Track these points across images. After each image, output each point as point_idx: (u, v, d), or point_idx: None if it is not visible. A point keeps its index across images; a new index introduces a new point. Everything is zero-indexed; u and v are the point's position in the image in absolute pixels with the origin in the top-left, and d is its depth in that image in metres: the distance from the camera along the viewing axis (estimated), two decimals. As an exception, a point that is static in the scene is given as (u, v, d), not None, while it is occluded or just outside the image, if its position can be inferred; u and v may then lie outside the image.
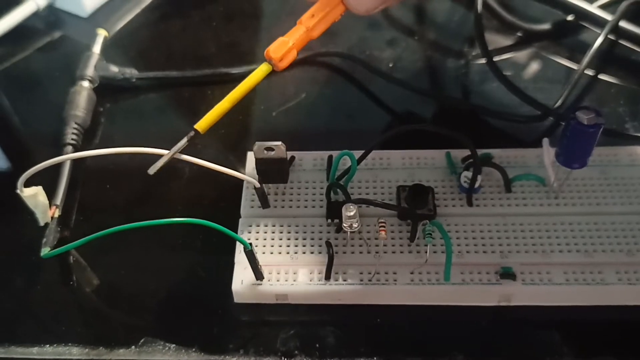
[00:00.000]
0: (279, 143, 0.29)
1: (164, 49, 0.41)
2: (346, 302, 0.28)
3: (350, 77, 0.38)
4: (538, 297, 0.27)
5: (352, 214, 0.27)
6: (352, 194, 0.30)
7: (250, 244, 0.26)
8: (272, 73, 0.38)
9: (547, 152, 0.29)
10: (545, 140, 0.29)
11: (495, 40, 0.39)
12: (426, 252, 0.28)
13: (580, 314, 0.28)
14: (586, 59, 0.35)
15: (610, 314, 0.27)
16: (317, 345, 0.27)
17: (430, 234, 0.27)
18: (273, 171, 0.29)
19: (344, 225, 0.28)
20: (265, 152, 0.29)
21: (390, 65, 0.39)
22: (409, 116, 0.36)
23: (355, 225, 0.28)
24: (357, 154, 0.29)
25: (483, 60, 0.37)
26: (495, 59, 0.38)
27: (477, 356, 0.27)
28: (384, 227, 0.27)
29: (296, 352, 0.27)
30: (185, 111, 0.37)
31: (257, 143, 0.29)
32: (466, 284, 0.27)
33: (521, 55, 0.39)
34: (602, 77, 0.37)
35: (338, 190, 0.29)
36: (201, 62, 0.39)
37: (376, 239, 0.28)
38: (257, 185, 0.29)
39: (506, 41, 0.40)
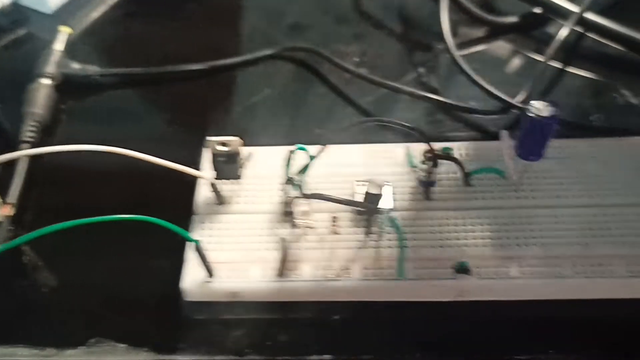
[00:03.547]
0: (234, 138, 0.28)
1: (130, 46, 0.40)
2: (299, 299, 0.27)
3: (315, 71, 0.38)
4: (494, 292, 0.27)
5: (304, 209, 0.27)
6: (310, 189, 0.30)
7: (198, 240, 0.26)
8: (238, 68, 0.38)
9: (506, 144, 0.29)
10: (504, 133, 0.29)
11: (464, 33, 0.39)
12: (381, 247, 0.27)
13: (538, 309, 0.27)
14: (550, 52, 0.35)
15: (567, 308, 0.27)
16: (269, 342, 0.27)
17: (382, 229, 0.27)
18: (228, 167, 0.29)
19: (298, 221, 0.27)
20: (220, 147, 0.28)
21: (357, 59, 0.38)
22: (375, 110, 0.36)
23: (309, 220, 0.27)
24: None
25: (449, 54, 0.36)
26: (464, 52, 0.37)
27: (434, 353, 0.26)
28: (337, 223, 0.27)
29: (247, 350, 0.27)
30: (148, 109, 0.36)
31: (210, 138, 0.28)
32: (421, 280, 0.27)
33: (489, 48, 0.39)
34: (568, 69, 0.37)
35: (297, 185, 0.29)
36: (166, 59, 0.38)
37: (330, 234, 0.28)
38: (211, 181, 0.28)
39: (474, 34, 0.39)
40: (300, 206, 0.27)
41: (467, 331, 0.27)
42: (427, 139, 0.28)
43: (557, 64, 0.37)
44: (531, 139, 0.26)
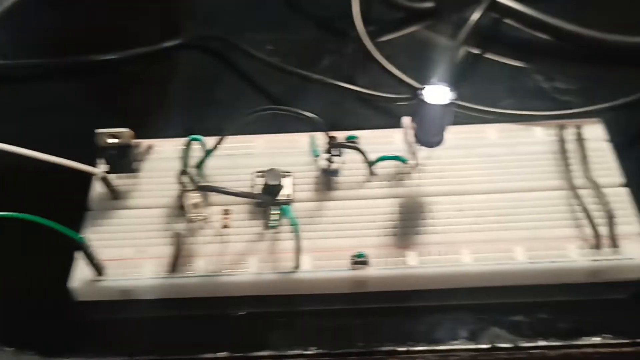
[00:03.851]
0: (125, 130, 0.27)
1: (41, 36, 0.39)
2: (193, 295, 0.26)
3: (227, 60, 0.37)
4: (392, 283, 0.26)
5: (196, 202, 0.26)
6: (210, 182, 0.29)
7: (83, 237, 0.25)
8: (145, 58, 0.37)
9: (407, 131, 0.28)
10: (405, 119, 0.28)
11: (380, 19, 0.38)
12: (279, 239, 0.26)
13: (438, 298, 0.26)
14: (461, 36, 0.34)
15: (466, 296, 0.26)
16: (165, 341, 0.26)
17: (277, 220, 0.26)
18: (120, 160, 0.28)
19: (190, 214, 0.26)
20: (110, 139, 0.27)
21: (270, 47, 0.37)
22: (286, 99, 0.35)
23: (200, 214, 0.26)
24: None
25: (361, 41, 0.35)
26: (382, 39, 0.37)
27: (331, 347, 0.26)
28: (229, 215, 0.26)
29: (141, 350, 0.26)
30: (50, 102, 0.35)
31: (100, 131, 0.27)
32: (318, 272, 0.26)
33: (404, 34, 0.38)
34: (481, 54, 0.36)
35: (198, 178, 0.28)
36: (72, 50, 0.37)
37: (228, 228, 0.27)
38: (101, 175, 0.27)
39: (390, 20, 0.38)
40: (192, 199, 0.26)
41: (367, 323, 0.26)
42: (326, 128, 0.27)
43: (471, 49, 0.36)
44: (427, 124, 0.26)
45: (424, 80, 0.32)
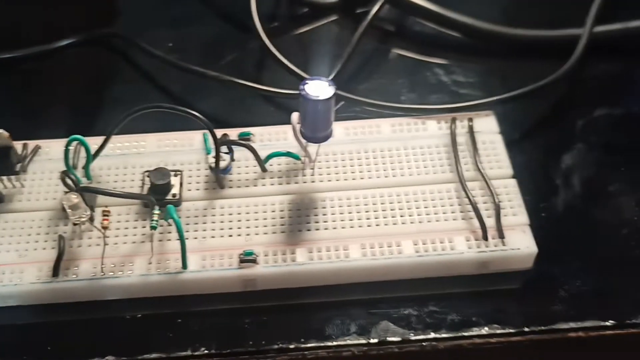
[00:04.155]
0: (1, 131, 0.26)
1: None
2: (79, 300, 0.26)
3: (127, 58, 0.36)
4: (282, 280, 0.26)
5: (75, 203, 0.25)
6: (100, 182, 0.28)
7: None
8: (41, 57, 0.36)
9: (295, 126, 0.28)
10: (293, 115, 0.28)
11: (284, 15, 0.38)
12: (166, 239, 0.26)
13: (328, 294, 0.26)
14: (360, 31, 0.34)
15: (357, 292, 0.26)
16: (49, 348, 0.25)
17: (157, 220, 0.25)
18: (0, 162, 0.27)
19: (72, 217, 0.25)
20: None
21: (170, 44, 0.36)
22: (184, 97, 0.34)
23: (82, 216, 0.25)
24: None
25: (260, 37, 0.35)
26: (285, 35, 0.37)
27: (221, 347, 0.25)
28: (107, 216, 0.25)
29: (23, 357, 0.25)
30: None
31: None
32: (205, 271, 0.26)
33: (308, 29, 0.38)
34: (384, 49, 0.36)
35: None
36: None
37: (107, 229, 0.26)
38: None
39: (296, 16, 0.38)
40: (72, 201, 0.25)
41: (257, 322, 0.26)
42: (209, 126, 0.26)
43: (373, 44, 0.36)
44: (310, 119, 0.26)
45: (325, 75, 0.32)
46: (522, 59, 0.36)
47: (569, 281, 0.27)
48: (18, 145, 0.28)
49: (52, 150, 0.29)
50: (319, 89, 0.25)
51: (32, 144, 0.29)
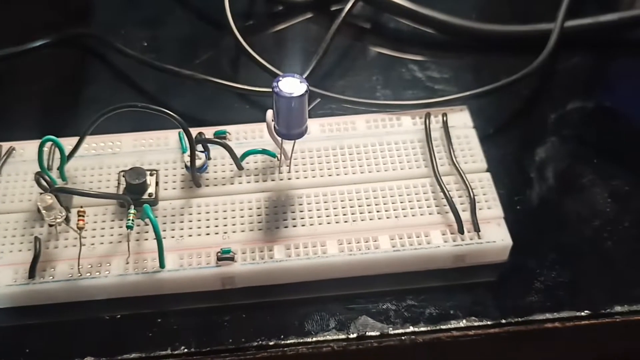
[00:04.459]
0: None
1: None
2: (56, 301, 0.26)
3: (102, 58, 0.36)
4: (260, 277, 0.26)
5: (49, 204, 0.25)
6: (76, 182, 0.28)
7: None
8: (15, 57, 0.36)
9: (270, 124, 0.28)
10: (269, 112, 0.28)
11: (260, 13, 0.38)
12: (143, 239, 0.26)
13: (307, 291, 0.26)
14: (334, 28, 0.34)
15: (335, 287, 0.27)
16: (27, 350, 0.25)
17: (133, 220, 0.25)
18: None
19: (47, 218, 0.25)
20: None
21: (145, 44, 0.36)
22: (160, 96, 0.34)
23: (57, 217, 0.25)
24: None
25: (234, 35, 0.35)
26: (260, 33, 0.37)
27: (201, 345, 0.25)
28: (83, 216, 0.25)
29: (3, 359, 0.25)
30: None
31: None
32: (183, 270, 0.26)
33: (283, 27, 0.38)
34: (360, 46, 0.36)
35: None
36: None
37: (83, 229, 0.26)
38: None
39: (270, 14, 0.38)
40: (46, 202, 0.25)
41: (237, 319, 0.26)
42: (183, 125, 0.26)
43: (348, 41, 0.36)
44: (284, 116, 0.26)
45: (301, 72, 0.33)
46: (495, 54, 0.36)
47: (544, 273, 0.27)
48: (-8, 147, 0.28)
49: (26, 151, 0.29)
50: (292, 85, 0.25)
51: (6, 145, 0.29)
